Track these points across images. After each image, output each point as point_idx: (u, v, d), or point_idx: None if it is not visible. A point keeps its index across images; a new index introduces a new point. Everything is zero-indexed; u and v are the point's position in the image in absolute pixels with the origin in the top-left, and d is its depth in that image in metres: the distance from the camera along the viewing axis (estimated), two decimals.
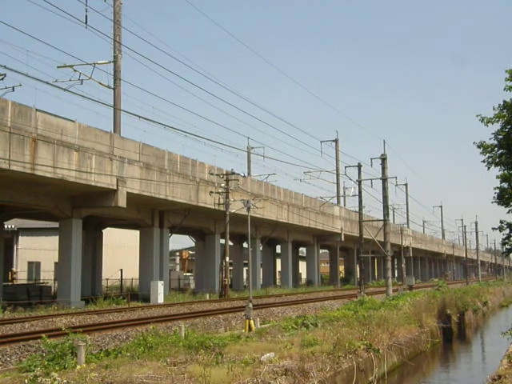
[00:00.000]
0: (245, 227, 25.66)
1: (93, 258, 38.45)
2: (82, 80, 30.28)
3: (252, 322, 18.79)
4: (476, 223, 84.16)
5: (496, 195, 19.61)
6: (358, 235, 40.33)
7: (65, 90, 20.44)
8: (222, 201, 36.99)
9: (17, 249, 47.73)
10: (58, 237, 31.22)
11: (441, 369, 21.19)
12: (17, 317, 22.80)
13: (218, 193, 36.69)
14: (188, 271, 62.14)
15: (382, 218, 37.19)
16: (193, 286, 50.94)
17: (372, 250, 44.72)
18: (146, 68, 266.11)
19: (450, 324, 27.89)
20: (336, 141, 63.58)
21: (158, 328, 16.18)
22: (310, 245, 60.68)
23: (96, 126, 28.06)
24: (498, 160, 18.89)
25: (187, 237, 50.44)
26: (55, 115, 25.45)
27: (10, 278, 41.80)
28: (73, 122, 26.20)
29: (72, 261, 29.37)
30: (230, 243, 44.06)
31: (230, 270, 48.02)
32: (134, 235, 42.70)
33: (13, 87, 26.09)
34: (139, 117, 18.06)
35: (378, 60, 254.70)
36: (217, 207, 37.15)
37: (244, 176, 42.20)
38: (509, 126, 18.34)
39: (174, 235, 42.64)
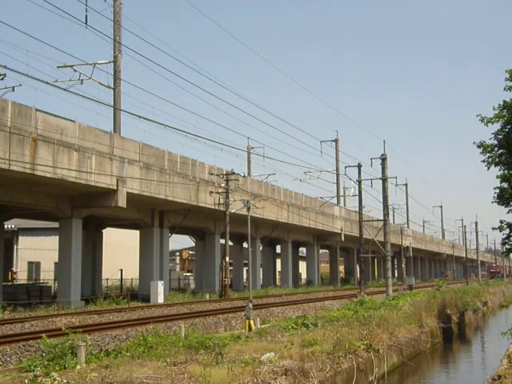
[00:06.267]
0: (245, 227, 25.65)
1: (93, 258, 38.46)
2: (82, 80, 30.30)
3: (252, 321, 18.79)
4: (476, 223, 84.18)
5: (496, 195, 19.62)
6: (358, 235, 40.32)
7: (65, 89, 20.39)
8: (221, 201, 36.98)
9: (17, 249, 47.70)
10: (58, 237, 31.22)
11: (441, 369, 21.19)
12: (17, 317, 22.79)
13: (218, 193, 36.69)
14: (188, 271, 62.11)
15: (382, 217, 37.18)
16: (193, 286, 50.92)
17: (372, 250, 44.70)
18: (146, 68, 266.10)
19: (450, 324, 27.87)
20: (336, 141, 63.58)
21: (158, 328, 16.16)
22: (310, 245, 60.68)
23: (96, 126, 28.10)
24: (497, 160, 18.90)
25: (187, 237, 50.46)
26: (55, 115, 25.45)
27: (9, 278, 41.78)
28: (73, 121, 26.20)
29: (72, 261, 29.38)
30: (230, 243, 44.05)
31: (230, 269, 48.00)
32: (134, 235, 42.69)
33: (13, 87, 26.06)
34: (139, 117, 18.06)
35: (378, 60, 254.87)
36: (217, 207, 37.15)
37: (244, 176, 42.19)
38: (509, 126, 18.34)
39: (174, 235, 42.63)
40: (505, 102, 18.15)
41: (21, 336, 16.52)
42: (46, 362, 10.94)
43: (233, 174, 37.51)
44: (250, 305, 19.63)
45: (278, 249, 60.20)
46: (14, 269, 45.27)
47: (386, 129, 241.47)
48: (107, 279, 42.37)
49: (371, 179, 36.73)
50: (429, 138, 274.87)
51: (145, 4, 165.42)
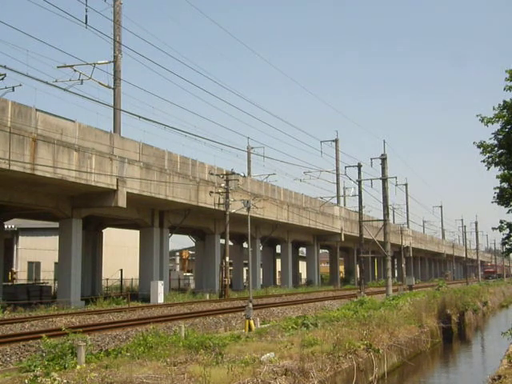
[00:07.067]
0: (245, 227, 25.65)
1: (93, 258, 38.45)
2: (82, 80, 30.28)
3: (252, 321, 18.79)
4: (476, 223, 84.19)
5: (496, 195, 19.62)
6: (358, 235, 40.32)
7: (65, 89, 20.41)
8: (221, 201, 36.98)
9: (17, 249, 47.70)
10: (58, 237, 31.22)
11: (441, 369, 21.17)
12: (17, 317, 22.79)
13: (218, 193, 36.69)
14: (188, 271, 62.10)
15: (381, 217, 37.18)
16: (193, 286, 50.92)
17: (372, 250, 44.69)
18: (146, 68, 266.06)
19: (450, 324, 27.86)
20: (336, 141, 63.57)
21: (158, 328, 16.15)
22: (310, 245, 60.67)
23: (96, 126, 28.09)
24: (497, 160, 18.90)
25: (187, 237, 50.45)
26: (55, 115, 25.44)
27: (9, 278, 41.77)
28: (73, 121, 26.20)
29: (72, 261, 29.37)
30: (230, 243, 44.04)
31: (230, 269, 47.98)
32: (134, 235, 42.69)
33: (13, 87, 26.05)
34: (139, 117, 18.06)
35: (378, 60, 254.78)
36: (217, 207, 37.14)
37: (244, 176, 42.18)
38: (509, 126, 18.33)
39: (174, 235, 42.63)
40: (505, 101, 18.15)
41: (21, 336, 16.52)
42: (46, 362, 10.94)
43: (233, 173, 37.50)
44: (250, 305, 19.62)
45: (278, 249, 60.18)
46: (14, 269, 45.26)
47: (386, 129, 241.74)
48: (107, 279, 42.37)
49: (371, 179, 36.75)
50: (429, 137, 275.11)
51: (145, 4, 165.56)
